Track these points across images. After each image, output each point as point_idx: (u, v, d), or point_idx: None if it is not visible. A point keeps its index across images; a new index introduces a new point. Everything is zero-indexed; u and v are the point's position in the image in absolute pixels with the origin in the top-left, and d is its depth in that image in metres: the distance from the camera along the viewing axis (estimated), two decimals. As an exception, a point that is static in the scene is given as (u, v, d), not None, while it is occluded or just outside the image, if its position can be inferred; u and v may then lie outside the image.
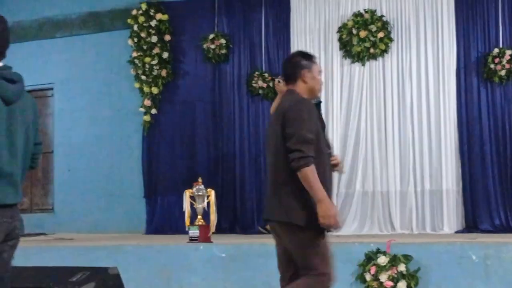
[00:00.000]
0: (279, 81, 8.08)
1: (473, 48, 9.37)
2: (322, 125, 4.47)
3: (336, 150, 9.67)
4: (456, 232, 9.08)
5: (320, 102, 8.37)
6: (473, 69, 9.36)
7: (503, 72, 9.02)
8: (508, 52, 9.02)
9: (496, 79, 9.10)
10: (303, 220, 4.19)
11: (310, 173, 4.09)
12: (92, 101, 11.17)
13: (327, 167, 4.35)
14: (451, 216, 9.22)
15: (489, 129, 9.20)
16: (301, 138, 4.14)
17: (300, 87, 4.45)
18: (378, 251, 5.98)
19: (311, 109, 4.30)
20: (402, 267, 5.80)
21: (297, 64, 4.48)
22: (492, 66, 9.07)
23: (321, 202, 4.10)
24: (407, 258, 5.84)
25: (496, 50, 9.11)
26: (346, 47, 9.79)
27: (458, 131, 9.31)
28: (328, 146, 4.49)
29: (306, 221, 4.18)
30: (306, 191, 4.14)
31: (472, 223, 9.11)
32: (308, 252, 4.26)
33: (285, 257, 4.40)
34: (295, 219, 4.20)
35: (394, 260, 5.85)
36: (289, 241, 4.31)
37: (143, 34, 10.60)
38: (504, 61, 9.00)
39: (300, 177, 4.13)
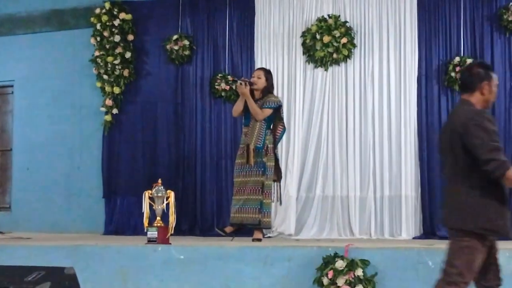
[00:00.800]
0: (240, 83, 8.10)
1: (434, 56, 9.46)
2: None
3: (297, 154, 9.71)
4: (414, 238, 9.14)
5: (280, 105, 8.39)
6: (434, 77, 9.44)
7: (463, 81, 9.10)
8: (469, 60, 9.10)
9: (457, 87, 9.16)
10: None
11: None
12: (53, 99, 11.07)
13: None
14: (410, 222, 9.28)
15: (449, 136, 9.26)
16: (491, 147, 4.23)
17: (477, 98, 4.50)
18: (336, 256, 6.00)
19: (492, 119, 4.39)
20: (359, 272, 5.82)
21: (477, 75, 4.50)
22: (453, 74, 9.16)
23: None
24: (365, 263, 5.87)
25: (457, 59, 9.20)
26: (309, 52, 9.82)
27: (418, 138, 9.38)
28: None
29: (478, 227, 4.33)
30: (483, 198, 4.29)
31: (429, 229, 9.19)
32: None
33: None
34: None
35: (351, 265, 5.88)
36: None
37: (106, 33, 10.53)
38: (465, 70, 9.08)
39: (506, 183, 4.25)
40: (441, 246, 6.27)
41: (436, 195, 9.22)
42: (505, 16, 9.02)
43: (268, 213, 8.08)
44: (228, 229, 8.21)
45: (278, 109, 8.29)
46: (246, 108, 8.19)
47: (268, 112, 8.14)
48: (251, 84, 8.16)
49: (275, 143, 8.27)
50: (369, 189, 9.48)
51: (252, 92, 8.24)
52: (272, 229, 9.47)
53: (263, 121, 8.11)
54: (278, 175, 8.23)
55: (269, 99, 8.18)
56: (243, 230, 8.39)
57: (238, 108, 8.27)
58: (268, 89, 8.28)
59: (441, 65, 9.41)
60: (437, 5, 9.51)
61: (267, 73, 8.37)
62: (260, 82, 8.22)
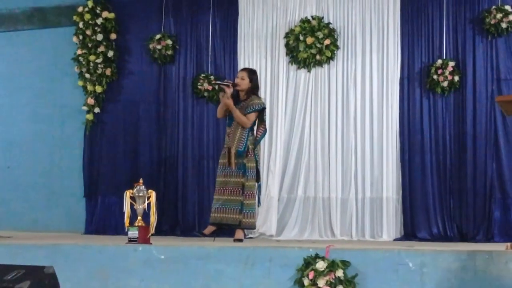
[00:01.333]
0: (223, 95, 8.07)
1: (417, 59, 9.49)
2: None
3: (279, 155, 9.72)
4: (395, 239, 9.17)
5: (264, 107, 8.38)
6: (416, 79, 9.47)
7: (445, 83, 9.15)
8: (451, 63, 9.15)
9: (439, 90, 9.22)
10: None
11: None
12: (34, 97, 11.02)
13: None
14: (391, 224, 9.31)
15: (430, 139, 9.31)
16: None
17: None
18: (317, 256, 6.00)
19: None
20: (340, 273, 5.83)
21: None
22: (435, 77, 9.19)
23: None
24: (345, 264, 5.87)
25: (439, 61, 9.23)
26: (292, 53, 9.83)
27: (400, 140, 9.41)
28: None
29: None
30: None
31: (410, 231, 9.21)
32: None
33: None
34: None
35: (332, 266, 5.88)
36: None
37: (88, 32, 10.50)
38: (447, 73, 9.12)
39: None
40: (422, 247, 6.30)
41: (417, 198, 9.26)
42: (487, 20, 9.06)
43: (251, 213, 8.06)
44: (208, 230, 8.19)
45: (261, 111, 8.27)
46: (228, 110, 8.19)
47: (253, 117, 8.13)
48: (234, 85, 8.15)
49: (255, 144, 8.24)
50: (350, 191, 9.50)
51: (237, 93, 8.23)
52: (254, 230, 9.48)
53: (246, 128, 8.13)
54: (257, 177, 8.20)
55: (252, 102, 8.15)
56: (225, 230, 8.38)
57: (220, 110, 8.26)
58: (253, 90, 8.25)
59: (423, 68, 9.45)
60: (420, 8, 9.54)
61: (252, 74, 8.32)
62: (243, 83, 8.18)
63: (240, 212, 7.94)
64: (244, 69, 8.59)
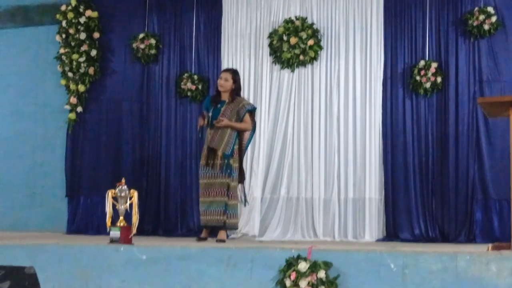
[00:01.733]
0: (217, 122, 8.01)
1: (400, 59, 9.51)
2: None
3: (262, 155, 9.72)
4: (377, 240, 9.19)
5: (255, 108, 8.41)
6: (399, 80, 9.49)
7: (428, 84, 9.18)
8: (433, 65, 9.18)
9: (421, 91, 9.25)
10: None
11: None
12: (16, 96, 10.99)
13: None
14: (373, 224, 9.33)
15: (413, 140, 9.34)
16: None
17: None
18: (299, 257, 6.00)
19: None
20: (321, 274, 5.83)
21: None
22: (417, 78, 9.22)
23: None
24: (327, 265, 5.87)
25: (422, 63, 9.26)
26: (276, 53, 9.83)
27: (383, 140, 9.43)
28: None
29: None
30: None
31: (392, 232, 9.24)
32: None
33: None
34: None
35: (314, 267, 5.87)
36: None
37: (71, 31, 10.47)
38: (430, 74, 9.16)
39: None
40: (404, 248, 6.31)
41: (399, 198, 9.28)
42: (470, 21, 9.09)
43: (234, 214, 8.05)
44: (204, 233, 8.14)
45: (253, 111, 8.27)
46: (209, 110, 8.15)
47: (248, 119, 8.13)
48: (216, 122, 8.07)
49: (245, 145, 8.25)
50: (333, 191, 9.51)
51: (218, 93, 8.22)
52: (237, 230, 9.48)
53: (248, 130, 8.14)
54: (241, 177, 8.19)
55: (242, 104, 8.14)
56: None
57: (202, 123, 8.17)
58: (236, 91, 8.23)
59: (406, 69, 9.47)
60: (403, 9, 9.57)
61: (235, 75, 8.28)
62: (227, 84, 8.15)
63: (224, 213, 7.92)
64: (228, 70, 8.52)
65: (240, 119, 8.09)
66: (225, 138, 8.00)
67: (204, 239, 7.96)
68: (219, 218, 7.93)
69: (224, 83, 8.14)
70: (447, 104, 9.25)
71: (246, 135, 8.26)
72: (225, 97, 8.18)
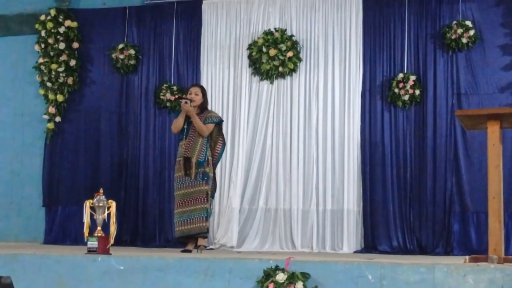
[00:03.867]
0: (186, 102, 8.10)
1: (378, 72, 9.56)
2: None
3: (241, 166, 9.72)
4: (355, 252, 9.20)
5: (222, 121, 8.46)
6: (378, 93, 9.54)
7: (406, 97, 9.23)
8: (412, 77, 9.23)
9: (400, 103, 9.30)
10: None
11: None
12: (-6, 105, 10.93)
13: None
14: (351, 236, 9.34)
15: (391, 152, 9.38)
16: None
17: None
18: (277, 268, 6.00)
19: None
20: (299, 285, 5.82)
21: None
22: (396, 90, 9.27)
23: None
24: (305, 276, 5.87)
25: (400, 75, 9.31)
26: (255, 65, 9.86)
27: (361, 152, 9.45)
28: None
29: None
30: None
31: (371, 243, 9.26)
32: None
33: None
34: None
35: (292, 278, 5.87)
36: None
37: (50, 40, 10.45)
38: (408, 86, 9.21)
39: None
40: (382, 260, 6.32)
41: (377, 210, 9.31)
42: (448, 35, 9.16)
43: (208, 217, 8.11)
44: (189, 246, 8.11)
45: (219, 124, 8.34)
46: (184, 122, 8.17)
47: (211, 127, 8.19)
48: (191, 101, 8.19)
49: (217, 158, 8.31)
50: (311, 203, 9.52)
51: None
52: (214, 240, 9.47)
53: (204, 136, 8.14)
54: (213, 188, 8.27)
55: (210, 114, 8.26)
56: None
57: (179, 124, 8.20)
58: (205, 104, 8.37)
59: (384, 81, 9.52)
60: (382, 22, 9.62)
61: (203, 90, 8.48)
62: (197, 98, 8.29)
63: (206, 220, 7.96)
64: (197, 85, 8.76)
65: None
66: (198, 146, 8.06)
67: (190, 251, 7.93)
68: (202, 225, 7.95)
69: (195, 97, 8.25)
70: (425, 117, 9.30)
71: (218, 148, 8.32)
72: (196, 111, 8.22)
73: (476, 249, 8.66)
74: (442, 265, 5.55)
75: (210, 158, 8.15)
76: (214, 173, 8.30)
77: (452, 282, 5.47)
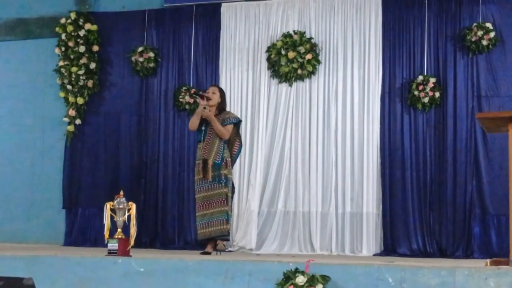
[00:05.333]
0: (204, 107, 8.05)
1: (398, 74, 9.53)
2: None
3: (259, 169, 9.72)
4: (375, 255, 9.18)
5: (240, 121, 8.43)
6: (398, 95, 9.51)
7: (426, 99, 9.20)
8: (432, 80, 9.20)
9: (419, 106, 9.27)
10: None
11: None
12: (15, 108, 10.99)
13: None
14: (370, 239, 9.31)
15: (411, 154, 9.34)
16: None
17: None
18: (297, 271, 5.99)
19: None
20: (319, 287, 5.83)
21: None
22: (416, 93, 9.24)
23: None
24: (325, 279, 5.86)
25: (420, 78, 9.28)
26: (274, 67, 9.86)
27: (381, 155, 9.43)
28: None
29: None
30: None
31: (390, 246, 9.22)
32: None
33: None
34: None
35: (312, 280, 5.86)
36: None
37: (70, 44, 10.50)
38: (428, 89, 9.18)
39: None
40: (402, 263, 6.31)
41: (397, 213, 9.28)
42: (468, 37, 9.13)
43: (229, 221, 8.09)
44: (209, 248, 8.10)
45: (237, 124, 8.30)
46: (201, 124, 8.14)
47: (230, 128, 8.13)
48: (208, 99, 8.15)
49: (234, 159, 8.27)
50: (330, 205, 9.51)
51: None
52: (233, 243, 9.46)
53: (225, 139, 8.11)
54: (231, 191, 8.23)
55: (228, 115, 8.19)
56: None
57: (194, 123, 8.16)
58: (223, 105, 8.29)
59: (404, 84, 9.49)
60: (401, 24, 9.60)
61: (221, 90, 8.40)
62: (215, 97, 8.19)
63: (227, 222, 7.93)
64: (215, 85, 8.77)
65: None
66: (215, 148, 8.02)
67: (209, 253, 7.92)
68: (222, 228, 7.92)
69: (212, 96, 8.16)
70: (445, 119, 9.27)
71: (235, 149, 8.29)
72: (212, 111, 8.18)
73: (496, 252, 8.62)
74: (463, 268, 5.52)
75: (228, 159, 8.10)
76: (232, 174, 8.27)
77: (473, 285, 5.44)
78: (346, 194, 9.49)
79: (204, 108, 8.03)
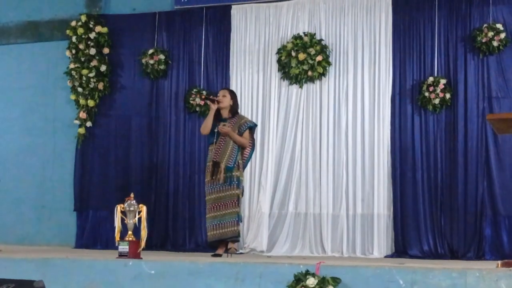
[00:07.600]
0: (224, 125, 8.07)
1: (408, 76, 9.51)
2: None
3: (270, 170, 9.72)
4: (386, 256, 9.16)
5: (256, 125, 8.45)
6: (408, 96, 9.49)
7: (436, 101, 9.18)
8: (442, 81, 9.18)
9: (430, 107, 9.24)
10: None
11: None
12: (26, 111, 11.03)
13: None
14: (381, 240, 9.30)
15: (421, 156, 9.32)
16: None
17: None
18: (308, 273, 5.99)
19: None
20: (330, 290, 5.82)
21: None
22: (426, 94, 9.22)
23: None
24: (336, 281, 5.86)
25: (431, 79, 9.26)
26: (284, 69, 9.86)
27: (391, 156, 9.41)
28: None
29: None
30: None
31: (401, 248, 9.21)
32: None
33: None
34: None
35: (322, 282, 5.86)
36: None
37: (81, 46, 10.53)
38: (438, 90, 9.16)
39: None
40: (413, 265, 6.29)
41: (408, 214, 9.26)
42: (478, 38, 9.10)
43: (239, 222, 8.13)
44: (220, 249, 8.10)
45: (252, 128, 8.32)
46: (213, 126, 8.16)
47: (248, 134, 8.18)
48: (218, 102, 8.17)
49: (245, 162, 8.29)
50: (341, 207, 9.50)
51: (218, 111, 8.23)
52: (244, 245, 9.47)
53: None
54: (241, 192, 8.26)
55: (243, 120, 8.22)
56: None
57: (208, 125, 8.17)
58: (236, 107, 8.31)
59: (414, 85, 9.48)
60: (411, 26, 9.58)
61: (233, 93, 8.44)
62: (226, 100, 8.22)
63: (237, 224, 7.96)
64: (225, 88, 8.83)
65: (240, 134, 8.13)
66: (228, 151, 8.03)
67: (220, 255, 7.92)
68: (234, 229, 7.94)
69: (223, 99, 8.20)
70: (456, 121, 9.25)
71: (246, 152, 8.29)
72: (225, 114, 8.21)
73: (508, 253, 8.58)
74: (474, 269, 5.51)
75: (240, 162, 8.12)
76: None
77: (484, 287, 5.43)
78: (357, 196, 9.48)
79: (224, 124, 8.05)
